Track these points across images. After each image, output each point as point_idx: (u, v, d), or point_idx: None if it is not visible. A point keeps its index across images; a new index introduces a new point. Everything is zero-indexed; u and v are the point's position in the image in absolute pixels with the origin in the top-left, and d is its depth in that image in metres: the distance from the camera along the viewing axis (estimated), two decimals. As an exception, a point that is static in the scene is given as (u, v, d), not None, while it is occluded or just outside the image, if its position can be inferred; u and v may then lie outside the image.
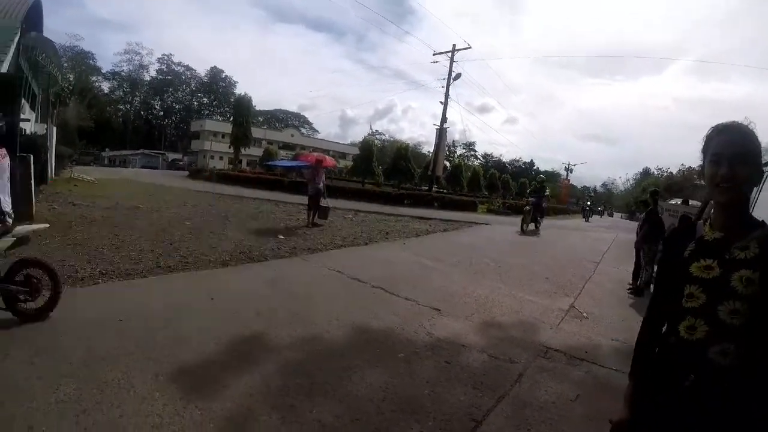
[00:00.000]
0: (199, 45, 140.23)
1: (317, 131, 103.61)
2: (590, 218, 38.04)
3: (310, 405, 3.06)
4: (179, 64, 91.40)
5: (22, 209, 9.03)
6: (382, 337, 4.50)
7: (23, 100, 13.90)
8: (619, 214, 68.55)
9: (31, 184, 9.51)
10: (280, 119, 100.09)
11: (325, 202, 12.59)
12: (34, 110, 20.75)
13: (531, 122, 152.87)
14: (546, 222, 23.56)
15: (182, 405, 2.90)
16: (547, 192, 19.97)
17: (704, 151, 1.44)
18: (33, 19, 19.15)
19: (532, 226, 17.39)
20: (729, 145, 1.35)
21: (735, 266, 1.31)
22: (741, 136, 1.36)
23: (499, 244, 12.78)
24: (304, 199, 13.85)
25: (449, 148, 59.01)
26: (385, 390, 3.37)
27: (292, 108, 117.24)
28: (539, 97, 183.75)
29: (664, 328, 1.52)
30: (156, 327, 4.12)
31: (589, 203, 45.17)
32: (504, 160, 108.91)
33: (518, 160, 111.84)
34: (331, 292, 5.95)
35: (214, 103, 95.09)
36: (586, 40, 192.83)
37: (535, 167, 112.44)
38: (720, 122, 1.43)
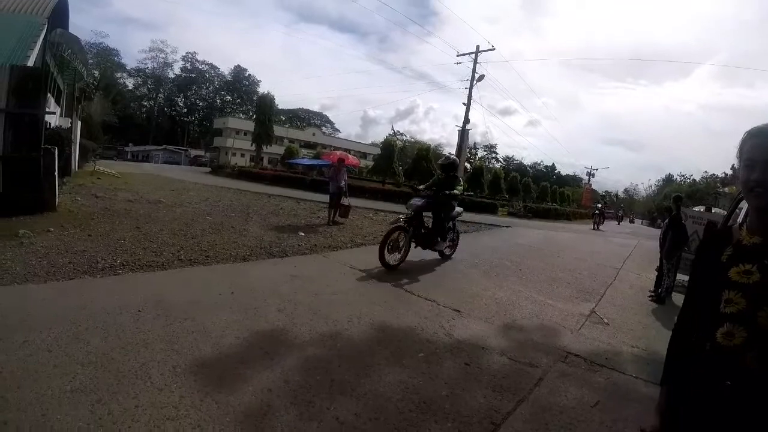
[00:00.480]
0: (223, 44, 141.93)
1: (338, 131, 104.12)
2: (601, 226, 29.90)
3: (329, 402, 3.03)
4: (203, 62, 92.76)
5: (47, 200, 9.26)
6: (401, 336, 4.46)
7: (49, 95, 14.13)
8: (640, 220, 67.51)
9: (55, 175, 9.71)
10: (302, 118, 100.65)
11: (346, 200, 12.61)
12: (59, 104, 21.16)
13: (553, 125, 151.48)
14: (565, 225, 22.89)
15: (199, 398, 2.90)
16: (460, 187, 8.80)
17: (739, 155, 1.40)
18: (59, 15, 19.47)
19: (427, 254, 8.81)
20: (762, 149, 1.32)
21: None
22: None
23: (520, 247, 12.65)
24: (325, 197, 13.93)
25: (470, 150, 58.71)
26: (404, 389, 3.34)
27: (314, 107, 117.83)
28: (562, 100, 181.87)
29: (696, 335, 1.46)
30: (176, 319, 4.14)
31: (599, 205, 34.44)
32: (525, 163, 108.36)
33: (539, 164, 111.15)
34: (351, 290, 5.94)
35: (237, 101, 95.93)
36: (610, 44, 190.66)
37: (556, 171, 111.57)
38: (754, 126, 1.39)
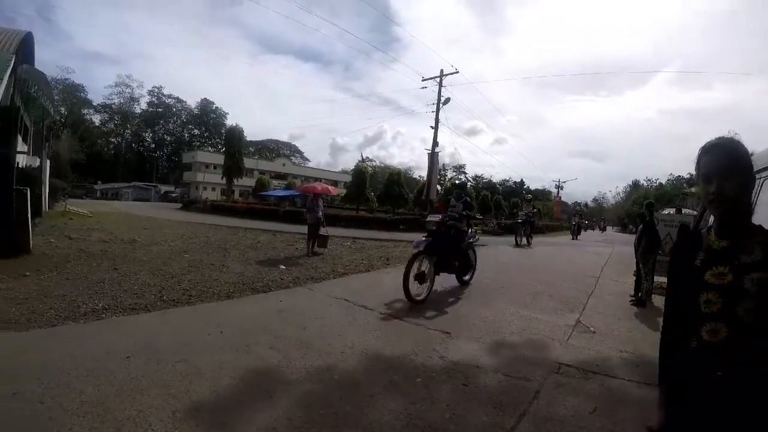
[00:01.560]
0: (189, 77, 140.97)
1: (308, 160, 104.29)
2: (579, 236, 32.86)
3: (334, 436, 3.00)
4: (170, 96, 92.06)
5: (21, 243, 9.01)
6: (396, 363, 4.46)
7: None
8: (611, 227, 68.88)
9: (28, 217, 9.47)
10: (270, 149, 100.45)
11: (324, 230, 12.60)
12: (26, 143, 20.76)
13: (519, 142, 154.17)
14: (540, 240, 23.19)
15: (204, 442, 2.84)
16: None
17: (696, 170, 1.56)
18: (25, 51, 19.28)
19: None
20: (714, 163, 1.48)
21: (745, 270, 1.40)
22: (725, 154, 1.48)
23: (500, 264, 12.77)
24: (300, 228, 13.94)
25: (440, 171, 59.41)
26: (408, 416, 3.34)
27: (283, 137, 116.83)
28: (526, 117, 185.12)
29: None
30: (167, 362, 4.06)
31: (576, 219, 37.06)
32: (494, 180, 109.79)
33: (508, 180, 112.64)
34: (340, 321, 5.90)
35: (205, 134, 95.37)
36: (569, 58, 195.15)
37: (525, 186, 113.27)
38: (707, 141, 1.54)
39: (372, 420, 3.26)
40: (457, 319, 6.35)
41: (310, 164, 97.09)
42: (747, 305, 1.37)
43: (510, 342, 5.48)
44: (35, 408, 3.09)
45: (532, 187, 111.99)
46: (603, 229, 59.87)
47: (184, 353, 4.32)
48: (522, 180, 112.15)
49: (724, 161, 1.46)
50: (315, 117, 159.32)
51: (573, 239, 30.92)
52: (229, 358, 4.29)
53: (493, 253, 15.05)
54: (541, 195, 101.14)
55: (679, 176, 62.27)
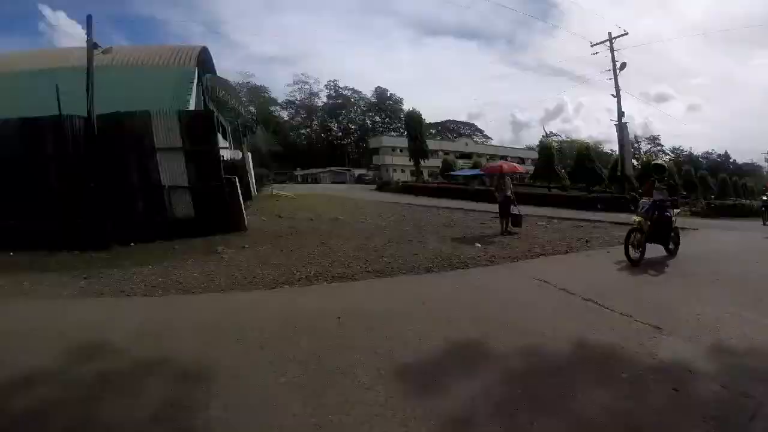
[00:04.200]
0: (358, 69, 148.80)
1: (490, 138, 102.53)
2: None
3: (531, 417, 2.95)
4: (345, 88, 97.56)
5: (235, 221, 10.85)
6: (600, 354, 4.18)
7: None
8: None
9: (239, 199, 11.16)
10: (451, 129, 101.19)
11: (516, 209, 12.37)
12: (226, 140, 24.61)
13: (716, 108, 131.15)
14: (759, 225, 19.67)
15: (404, 400, 3.09)
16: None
17: None
18: (204, 63, 22.85)
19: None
20: None
21: None
22: None
23: (715, 253, 10.56)
24: (491, 207, 13.84)
25: (633, 144, 54.15)
26: (609, 413, 3.12)
27: (461, 117, 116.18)
28: (719, 78, 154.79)
29: None
30: (373, 326, 4.48)
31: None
32: (695, 153, 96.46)
33: (711, 153, 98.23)
34: (540, 303, 5.75)
35: (385, 120, 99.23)
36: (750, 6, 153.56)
37: (731, 159, 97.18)
38: None
39: (570, 409, 3.13)
40: (666, 312, 5.62)
41: (493, 142, 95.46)
42: None
43: (729, 347, 4.63)
44: (255, 353, 3.73)
45: (739, 161, 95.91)
46: None
47: (389, 319, 4.71)
48: (726, 152, 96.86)
49: None
50: (489, 94, 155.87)
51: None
52: (431, 327, 4.54)
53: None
54: (750, 170, 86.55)
55: None
